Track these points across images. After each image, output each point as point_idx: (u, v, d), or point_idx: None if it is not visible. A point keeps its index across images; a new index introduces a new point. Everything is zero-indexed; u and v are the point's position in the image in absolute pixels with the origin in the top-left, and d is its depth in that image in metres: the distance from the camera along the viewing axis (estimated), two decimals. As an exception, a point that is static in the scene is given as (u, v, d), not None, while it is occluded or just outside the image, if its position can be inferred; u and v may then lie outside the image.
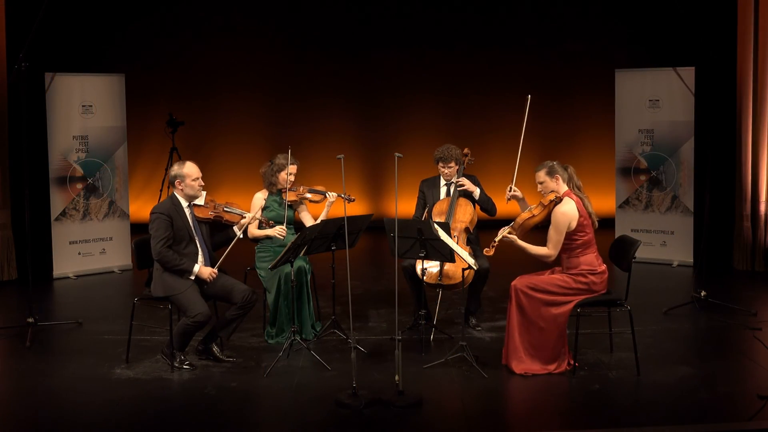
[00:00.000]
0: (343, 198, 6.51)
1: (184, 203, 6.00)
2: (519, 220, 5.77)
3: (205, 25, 11.61)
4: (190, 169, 6.00)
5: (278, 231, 6.49)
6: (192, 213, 6.01)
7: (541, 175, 5.84)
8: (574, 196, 5.77)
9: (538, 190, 5.86)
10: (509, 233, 5.75)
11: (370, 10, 11.59)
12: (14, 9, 8.63)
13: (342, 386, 5.42)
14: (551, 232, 5.73)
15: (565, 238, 5.72)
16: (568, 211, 5.69)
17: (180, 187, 5.99)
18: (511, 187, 6.14)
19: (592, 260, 5.76)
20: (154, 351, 6.22)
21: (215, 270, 5.99)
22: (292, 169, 6.61)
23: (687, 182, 8.99)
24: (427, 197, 6.91)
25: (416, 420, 5.09)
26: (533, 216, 5.76)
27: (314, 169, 11.27)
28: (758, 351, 6.19)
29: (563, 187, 5.80)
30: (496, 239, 5.74)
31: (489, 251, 5.74)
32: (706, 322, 6.93)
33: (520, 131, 6.37)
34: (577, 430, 5.00)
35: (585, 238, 5.73)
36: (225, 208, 6.15)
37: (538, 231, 5.88)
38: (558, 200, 5.74)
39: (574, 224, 5.70)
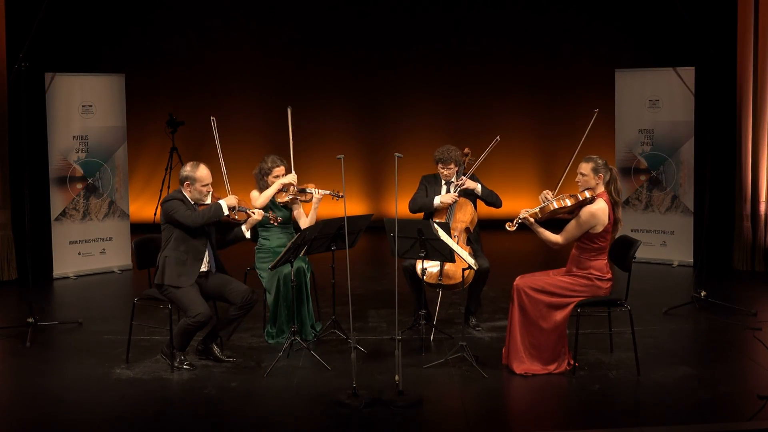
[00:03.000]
0: (332, 195, 6.50)
1: (190, 201, 5.99)
2: (550, 207, 5.72)
3: (205, 25, 11.61)
4: (202, 174, 5.95)
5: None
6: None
7: (587, 168, 5.76)
8: (608, 200, 5.73)
9: (577, 180, 5.81)
10: (532, 216, 5.73)
11: (371, 10, 11.59)
12: (14, 9, 8.63)
13: (342, 386, 5.42)
14: (572, 225, 5.71)
15: (586, 239, 5.70)
16: (598, 213, 5.65)
17: (188, 189, 5.97)
18: (546, 196, 5.88)
19: (602, 266, 5.75)
20: (154, 351, 6.22)
21: (235, 196, 6.03)
22: (280, 171, 6.59)
23: (687, 182, 8.99)
24: (428, 193, 6.89)
25: (416, 420, 5.09)
26: (563, 207, 5.72)
27: (314, 169, 11.27)
28: (758, 351, 6.19)
29: (601, 188, 5.76)
30: (520, 217, 5.73)
31: (511, 227, 5.74)
32: (706, 322, 6.93)
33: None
34: (577, 430, 5.00)
35: (603, 244, 5.72)
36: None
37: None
38: (591, 199, 5.70)
39: (599, 228, 5.67)
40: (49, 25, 8.11)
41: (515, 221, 5.75)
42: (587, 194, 5.71)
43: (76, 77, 8.90)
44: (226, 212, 5.92)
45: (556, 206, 5.73)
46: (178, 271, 5.88)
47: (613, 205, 5.74)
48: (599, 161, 5.78)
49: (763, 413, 4.91)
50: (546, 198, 5.86)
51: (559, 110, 11.65)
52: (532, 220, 5.75)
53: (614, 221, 5.73)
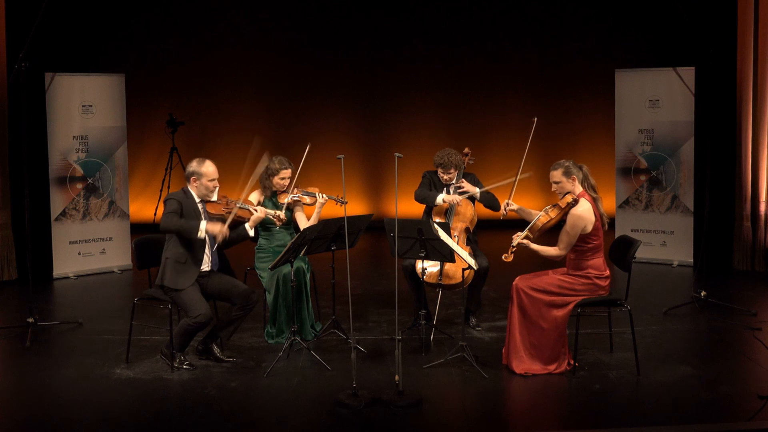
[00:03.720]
0: (335, 200, 6.49)
1: (197, 198, 5.99)
2: (537, 224, 5.72)
3: (205, 25, 11.61)
4: (208, 169, 5.95)
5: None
6: (204, 208, 6.00)
7: (557, 175, 5.77)
8: (589, 198, 5.74)
9: (553, 189, 5.81)
10: (525, 238, 5.72)
11: (371, 9, 11.60)
12: (14, 9, 8.63)
13: (342, 386, 5.43)
14: (564, 233, 5.69)
15: (579, 240, 5.69)
16: (584, 214, 5.65)
17: (195, 185, 5.97)
18: (508, 203, 6.12)
19: (599, 264, 5.75)
20: (154, 351, 6.22)
21: (226, 228, 5.89)
22: (286, 173, 6.60)
23: (687, 182, 8.99)
24: (432, 189, 6.89)
25: (416, 420, 5.09)
26: (550, 219, 5.71)
27: (314, 169, 11.27)
28: (758, 351, 6.19)
29: (578, 188, 5.76)
30: (514, 245, 5.71)
31: (508, 257, 5.71)
32: (706, 322, 6.93)
33: (523, 147, 6.36)
34: (577, 430, 5.00)
35: (597, 242, 5.71)
36: (238, 205, 6.09)
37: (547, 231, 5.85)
38: (574, 202, 5.69)
39: (589, 227, 5.67)
40: (49, 25, 8.10)
41: (510, 250, 5.73)
42: (569, 198, 5.71)
43: (76, 77, 8.90)
44: (201, 235, 5.84)
45: (544, 221, 5.72)
46: (176, 271, 5.88)
47: (594, 200, 5.74)
48: (567, 164, 5.78)
49: (763, 413, 4.92)
50: (509, 205, 5.98)
51: (559, 110, 11.66)
52: (526, 242, 5.73)
53: (600, 215, 5.73)
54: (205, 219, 5.95)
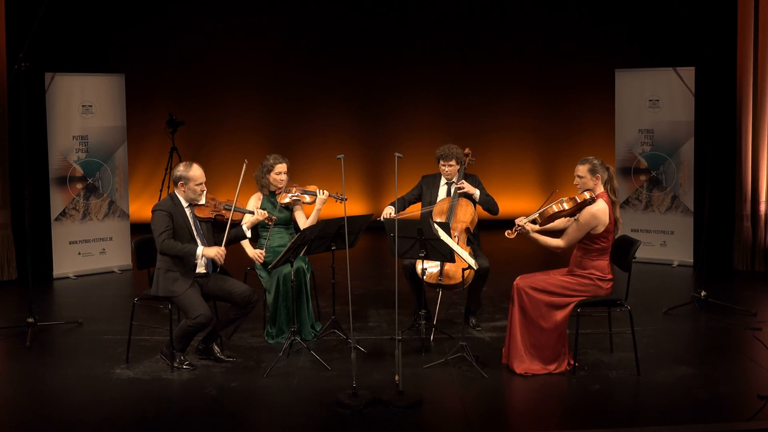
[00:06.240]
0: (335, 198, 6.50)
1: (185, 203, 5.99)
2: (549, 211, 5.70)
3: (205, 25, 11.61)
4: (195, 173, 5.96)
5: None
6: (192, 213, 6.00)
7: (583, 170, 5.74)
8: (608, 200, 5.72)
9: (575, 183, 5.78)
10: (533, 221, 5.71)
11: (371, 9, 11.60)
12: (14, 9, 8.63)
13: (342, 386, 5.42)
14: (572, 228, 5.69)
15: (587, 240, 5.68)
16: (598, 214, 5.63)
17: (182, 189, 5.98)
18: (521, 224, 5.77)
19: (603, 267, 5.74)
20: (154, 351, 6.22)
21: (222, 248, 5.91)
22: (282, 168, 6.59)
23: (687, 182, 8.99)
24: (424, 194, 6.91)
25: (416, 420, 5.09)
26: (563, 210, 5.69)
27: (314, 169, 11.28)
28: (758, 351, 6.19)
29: (600, 188, 5.74)
30: (520, 225, 5.70)
31: (511, 234, 5.71)
32: (706, 322, 6.93)
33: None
34: (577, 430, 5.00)
35: (605, 244, 5.70)
36: (226, 206, 6.11)
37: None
38: (591, 200, 5.68)
39: (600, 229, 5.65)
40: (49, 25, 8.10)
41: (514, 229, 5.72)
42: (587, 195, 5.69)
43: (76, 77, 8.90)
44: (197, 260, 5.90)
45: (556, 210, 5.71)
46: (169, 280, 5.89)
47: (612, 204, 5.73)
48: (595, 161, 5.76)
49: (763, 413, 4.92)
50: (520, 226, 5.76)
51: (559, 110, 11.66)
52: (528, 228, 5.72)
53: (615, 220, 5.72)
54: (194, 224, 5.97)
